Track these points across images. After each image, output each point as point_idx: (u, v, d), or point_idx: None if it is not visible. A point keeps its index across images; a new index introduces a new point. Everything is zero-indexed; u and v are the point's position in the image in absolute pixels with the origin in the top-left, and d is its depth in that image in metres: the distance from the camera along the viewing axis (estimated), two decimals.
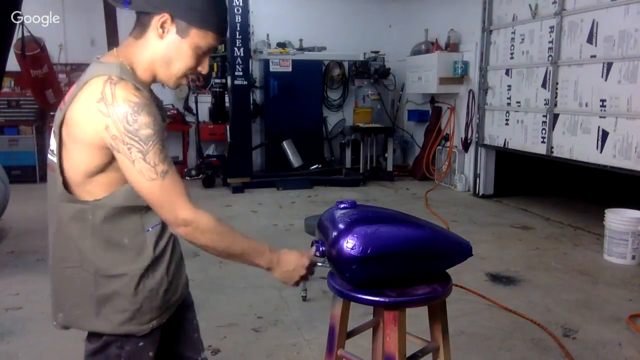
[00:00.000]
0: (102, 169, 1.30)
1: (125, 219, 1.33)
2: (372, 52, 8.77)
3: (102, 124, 1.23)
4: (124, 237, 1.34)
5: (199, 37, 1.33)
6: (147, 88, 1.35)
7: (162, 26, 1.30)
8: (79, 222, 1.33)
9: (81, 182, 1.31)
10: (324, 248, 1.58)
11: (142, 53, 1.34)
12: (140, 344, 1.39)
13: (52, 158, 1.35)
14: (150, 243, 1.38)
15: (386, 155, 8.33)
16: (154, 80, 1.39)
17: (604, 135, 4.89)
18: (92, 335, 1.39)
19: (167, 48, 1.33)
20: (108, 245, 1.34)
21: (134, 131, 1.23)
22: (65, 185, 1.32)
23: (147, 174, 1.25)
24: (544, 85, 5.72)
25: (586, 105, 5.11)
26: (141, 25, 1.33)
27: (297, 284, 1.53)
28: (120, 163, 1.26)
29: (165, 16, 1.29)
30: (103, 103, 1.23)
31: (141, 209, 1.35)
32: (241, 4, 7.08)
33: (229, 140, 7.51)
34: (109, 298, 1.35)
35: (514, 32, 6.24)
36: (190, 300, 1.65)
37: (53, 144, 1.35)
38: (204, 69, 1.40)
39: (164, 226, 1.40)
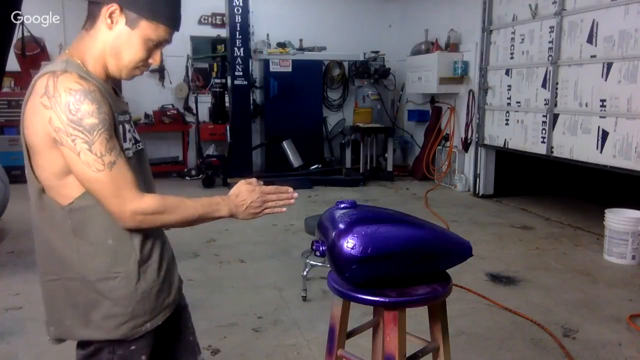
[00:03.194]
0: (68, 168, 1.25)
1: (104, 218, 1.28)
2: (372, 52, 8.77)
3: (47, 118, 1.20)
4: (107, 238, 1.30)
5: (150, 29, 1.29)
6: (101, 79, 1.32)
7: (110, 16, 1.27)
8: (58, 228, 1.29)
9: (54, 186, 1.27)
10: (324, 248, 1.58)
11: (92, 45, 1.31)
12: (133, 347, 1.35)
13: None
14: (137, 243, 1.34)
15: (386, 155, 8.33)
16: (108, 72, 1.34)
17: (604, 135, 4.89)
18: (84, 341, 1.36)
19: (116, 39, 1.29)
20: (92, 249, 1.30)
21: (78, 121, 1.19)
22: (42, 191, 1.28)
23: (94, 165, 1.21)
24: (544, 85, 5.72)
25: (586, 105, 5.11)
26: (92, 17, 1.30)
27: (261, 213, 1.45)
28: (66, 157, 1.22)
29: (114, 6, 1.26)
30: (46, 97, 1.19)
31: None
32: (241, 4, 7.09)
33: (229, 140, 7.51)
34: (97, 304, 1.31)
35: (514, 32, 6.24)
36: (184, 302, 1.61)
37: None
38: (155, 61, 1.36)
39: None
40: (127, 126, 1.35)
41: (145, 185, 1.40)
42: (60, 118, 1.19)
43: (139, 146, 1.44)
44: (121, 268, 1.31)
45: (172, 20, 1.33)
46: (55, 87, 1.19)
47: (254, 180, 1.47)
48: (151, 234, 1.39)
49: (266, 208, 1.45)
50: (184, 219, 1.34)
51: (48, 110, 1.19)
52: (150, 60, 1.36)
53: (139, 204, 1.26)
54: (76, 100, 1.19)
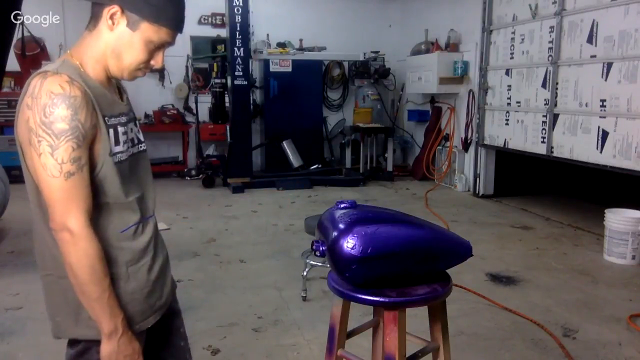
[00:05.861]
0: None
1: (94, 219, 1.25)
2: (372, 52, 8.77)
3: (26, 118, 1.20)
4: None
5: (151, 32, 1.28)
6: (101, 80, 1.31)
7: (111, 18, 1.26)
8: (50, 227, 1.27)
9: None
10: (324, 248, 1.58)
11: (94, 45, 1.30)
12: None
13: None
14: (126, 245, 1.33)
15: (386, 155, 8.33)
16: (109, 73, 1.33)
17: (604, 135, 4.89)
18: (73, 340, 1.36)
19: (117, 40, 1.28)
20: None
21: (49, 123, 1.17)
22: (38, 190, 1.27)
23: (50, 169, 1.18)
24: (544, 85, 5.72)
25: (586, 105, 5.11)
26: (94, 17, 1.29)
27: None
28: (32, 157, 1.21)
29: (115, 8, 1.25)
30: (30, 97, 1.20)
31: (111, 208, 1.30)
32: (241, 4, 7.08)
33: (229, 140, 7.51)
34: None
35: (514, 32, 6.24)
36: (177, 307, 1.60)
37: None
38: (157, 63, 1.35)
39: (139, 227, 1.37)
40: (121, 128, 1.33)
41: (139, 187, 1.40)
42: (35, 119, 1.18)
43: (140, 147, 1.44)
44: (111, 269, 1.30)
45: (174, 23, 1.31)
46: (40, 89, 1.19)
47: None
48: (143, 236, 1.39)
49: None
50: (87, 283, 1.23)
51: (29, 110, 1.19)
52: (152, 62, 1.35)
53: (79, 229, 1.20)
54: (53, 104, 1.18)
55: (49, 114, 1.18)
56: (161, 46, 1.33)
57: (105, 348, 1.28)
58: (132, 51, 1.30)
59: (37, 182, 1.23)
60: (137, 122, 1.46)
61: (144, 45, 1.30)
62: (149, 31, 1.28)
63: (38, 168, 1.20)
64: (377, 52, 8.81)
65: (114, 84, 1.40)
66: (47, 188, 1.20)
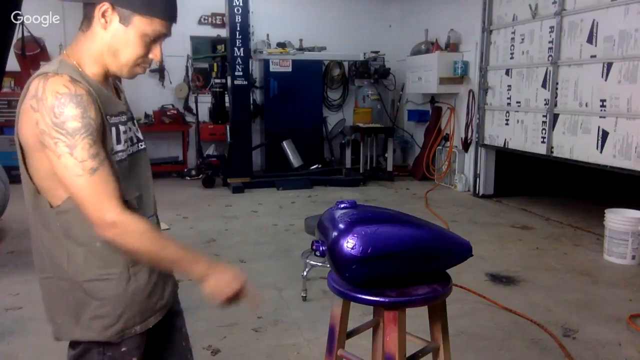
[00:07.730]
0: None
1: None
2: (372, 52, 8.77)
3: (34, 120, 1.20)
4: (96, 240, 1.27)
5: (145, 24, 1.27)
6: (100, 79, 1.31)
7: (103, 16, 1.26)
8: (49, 228, 1.28)
9: (46, 187, 1.27)
10: (324, 248, 1.58)
11: (90, 45, 1.29)
12: (123, 349, 1.34)
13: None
14: None
15: (386, 155, 8.33)
16: (107, 71, 1.33)
17: (604, 135, 4.89)
18: (74, 341, 1.36)
19: (112, 38, 1.28)
20: (81, 250, 1.29)
21: (60, 124, 1.17)
22: (37, 191, 1.28)
23: (72, 170, 1.19)
24: (544, 85, 5.72)
25: (586, 105, 5.11)
26: (87, 18, 1.29)
27: (225, 302, 1.36)
28: (50, 159, 1.21)
29: (105, 5, 1.25)
30: (35, 99, 1.19)
31: None
32: (241, 4, 7.08)
33: (229, 140, 7.51)
34: (85, 304, 1.30)
35: (514, 32, 6.24)
36: (178, 308, 1.60)
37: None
38: (155, 56, 1.34)
39: None
40: (122, 127, 1.33)
41: (138, 187, 1.40)
42: (45, 120, 1.18)
43: (140, 146, 1.43)
44: (112, 270, 1.30)
45: (166, 13, 1.30)
46: (44, 90, 1.19)
47: (244, 279, 1.39)
48: None
49: (237, 294, 1.37)
50: (159, 253, 1.27)
51: (36, 112, 1.19)
52: (150, 56, 1.33)
53: (120, 218, 1.21)
54: (61, 104, 1.18)
55: (59, 114, 1.17)
56: (157, 38, 1.32)
57: (208, 288, 1.32)
58: (128, 47, 1.29)
59: (64, 184, 1.22)
60: (134, 121, 1.46)
61: (140, 39, 1.29)
62: (142, 24, 1.27)
63: (60, 169, 1.20)
64: (377, 52, 8.82)
65: (111, 84, 1.40)
66: (74, 188, 1.20)
